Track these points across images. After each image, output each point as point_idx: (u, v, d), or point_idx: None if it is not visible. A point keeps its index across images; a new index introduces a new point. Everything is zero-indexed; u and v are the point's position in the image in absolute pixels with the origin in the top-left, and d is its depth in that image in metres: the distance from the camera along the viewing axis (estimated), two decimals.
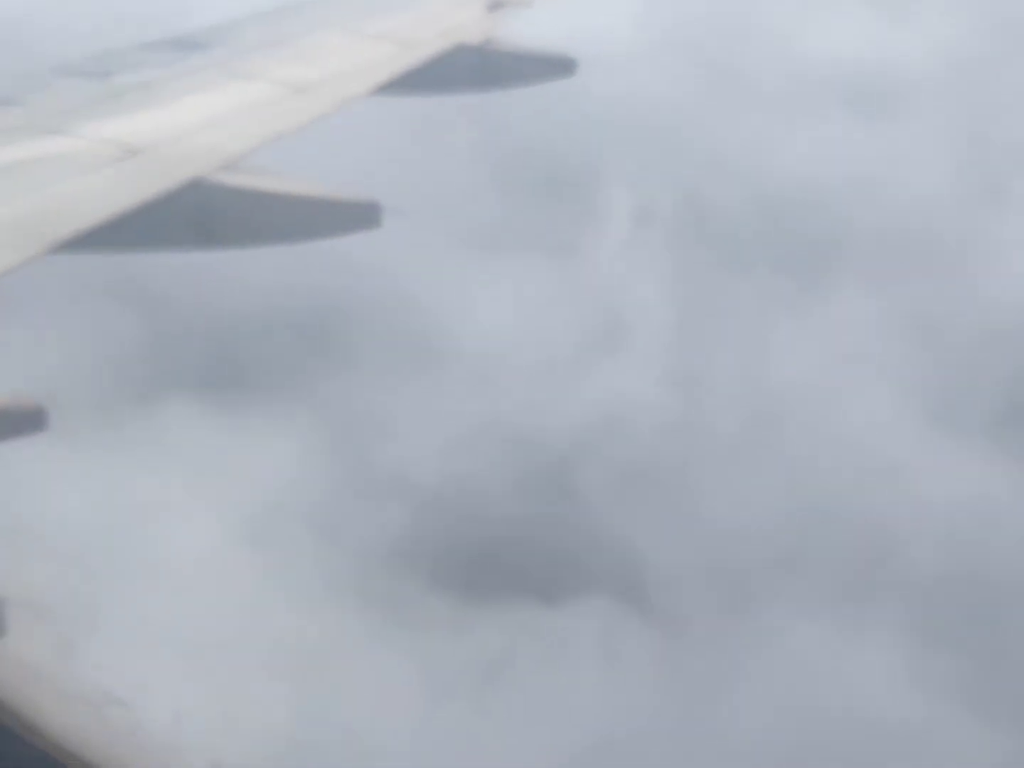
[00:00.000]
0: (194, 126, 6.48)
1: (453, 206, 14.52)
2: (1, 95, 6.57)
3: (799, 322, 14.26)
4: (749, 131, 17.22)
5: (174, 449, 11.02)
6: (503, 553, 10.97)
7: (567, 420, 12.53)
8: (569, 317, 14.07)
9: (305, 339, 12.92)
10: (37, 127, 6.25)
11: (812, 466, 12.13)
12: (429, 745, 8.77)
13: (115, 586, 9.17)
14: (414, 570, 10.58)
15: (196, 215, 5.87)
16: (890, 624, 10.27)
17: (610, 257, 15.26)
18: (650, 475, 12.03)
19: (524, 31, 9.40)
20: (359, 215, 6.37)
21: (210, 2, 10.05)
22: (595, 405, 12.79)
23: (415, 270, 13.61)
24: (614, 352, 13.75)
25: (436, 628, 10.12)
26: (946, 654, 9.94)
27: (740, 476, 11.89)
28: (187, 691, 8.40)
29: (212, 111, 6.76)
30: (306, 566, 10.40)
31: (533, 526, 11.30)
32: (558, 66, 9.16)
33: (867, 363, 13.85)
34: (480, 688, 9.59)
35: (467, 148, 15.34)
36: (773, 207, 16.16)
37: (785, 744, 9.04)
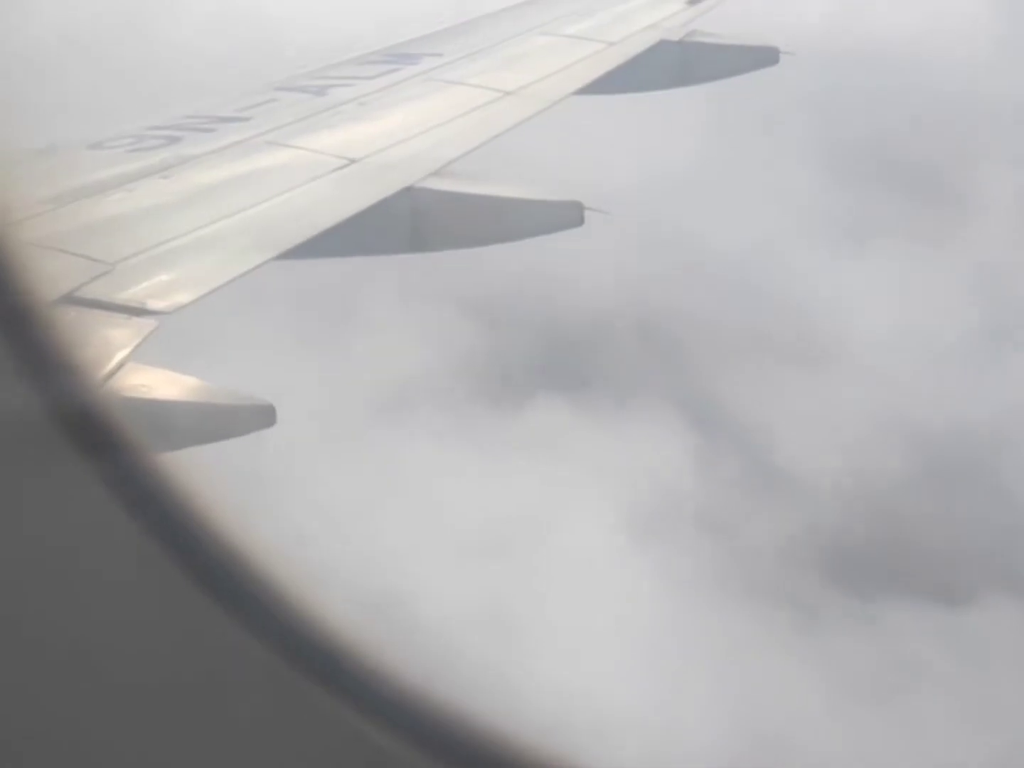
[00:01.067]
0: (406, 135, 6.77)
1: (778, 197, 14.21)
2: (231, 113, 7.03)
3: None
4: None
5: (550, 448, 11.18)
6: (903, 551, 10.74)
7: (964, 414, 12.09)
8: (947, 307, 13.55)
9: (645, 337, 12.74)
10: (263, 141, 6.65)
11: None
12: (857, 748, 8.69)
13: (523, 583, 9.46)
14: (812, 569, 10.44)
15: (409, 220, 6.14)
16: None
17: (975, 244, 14.65)
18: None
19: (725, 23, 9.32)
20: (563, 215, 6.52)
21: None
22: (994, 398, 12.34)
23: (765, 263, 13.34)
24: (1011, 345, 13.15)
25: (839, 628, 9.99)
26: None
27: None
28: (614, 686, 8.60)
29: (423, 120, 7.04)
30: (701, 565, 10.36)
31: (933, 523, 11.02)
32: (761, 56, 9.04)
33: None
34: (898, 691, 9.43)
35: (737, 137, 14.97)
36: None
37: None
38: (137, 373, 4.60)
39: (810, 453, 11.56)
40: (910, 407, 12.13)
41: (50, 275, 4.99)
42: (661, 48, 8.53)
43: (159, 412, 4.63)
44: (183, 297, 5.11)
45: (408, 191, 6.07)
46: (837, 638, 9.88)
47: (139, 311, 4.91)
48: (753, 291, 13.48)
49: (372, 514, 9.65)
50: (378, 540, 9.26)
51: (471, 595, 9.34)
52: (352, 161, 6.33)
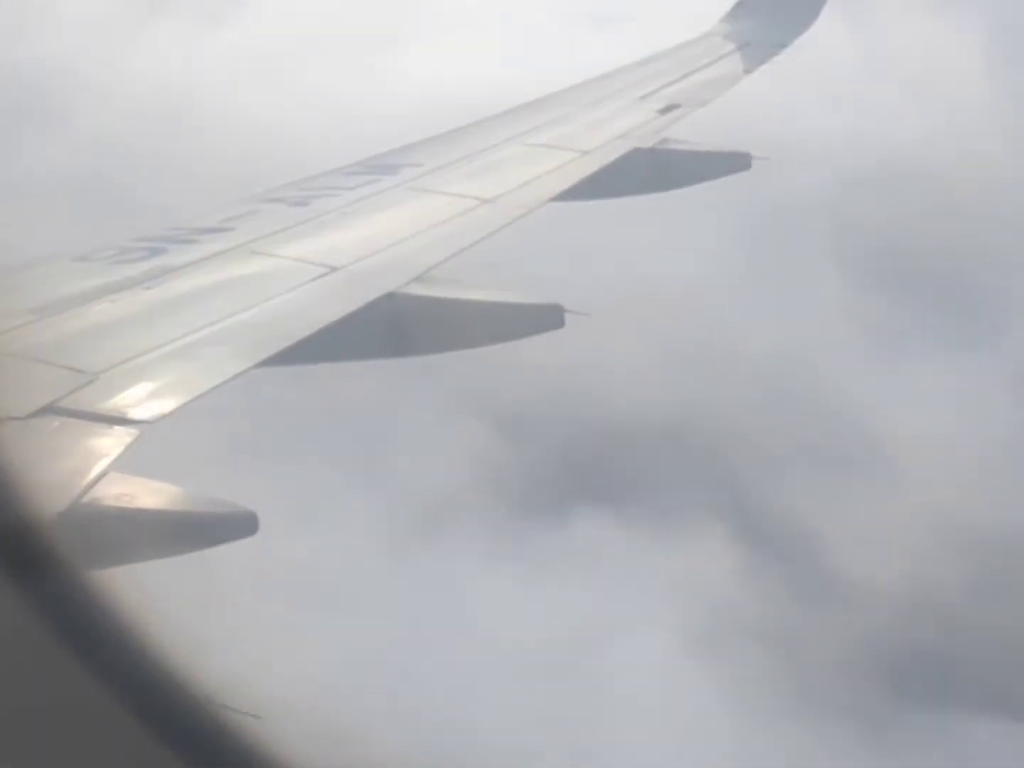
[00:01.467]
0: (387, 243, 6.88)
1: (762, 298, 14.15)
2: (214, 224, 7.14)
3: None
4: None
5: (595, 563, 10.89)
6: (966, 662, 10.51)
7: (1016, 519, 11.87)
8: (980, 410, 13.48)
9: (673, 442, 12.49)
10: (245, 251, 6.74)
11: None
12: None
13: (580, 704, 9.17)
14: (873, 680, 10.16)
15: (390, 325, 6.21)
16: None
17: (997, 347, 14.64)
18: None
19: (698, 129, 9.56)
20: (544, 318, 6.60)
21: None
22: None
23: (771, 364, 13.27)
24: None
25: (903, 741, 9.73)
26: None
27: None
28: None
29: (404, 228, 7.16)
30: (760, 679, 10.15)
31: (992, 631, 10.77)
32: (734, 162, 9.28)
33: None
34: None
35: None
36: None
37: None
38: (119, 482, 4.59)
39: (862, 561, 11.34)
40: (960, 512, 11.94)
41: (32, 385, 5.00)
42: (634, 155, 8.75)
43: (141, 521, 4.61)
44: (165, 406, 5.12)
45: (390, 297, 6.15)
46: (901, 751, 9.63)
47: (121, 420, 4.92)
48: (765, 392, 13.45)
49: (413, 636, 9.41)
50: (428, 663, 9.02)
51: (525, 719, 9.08)
52: (334, 268, 6.42)
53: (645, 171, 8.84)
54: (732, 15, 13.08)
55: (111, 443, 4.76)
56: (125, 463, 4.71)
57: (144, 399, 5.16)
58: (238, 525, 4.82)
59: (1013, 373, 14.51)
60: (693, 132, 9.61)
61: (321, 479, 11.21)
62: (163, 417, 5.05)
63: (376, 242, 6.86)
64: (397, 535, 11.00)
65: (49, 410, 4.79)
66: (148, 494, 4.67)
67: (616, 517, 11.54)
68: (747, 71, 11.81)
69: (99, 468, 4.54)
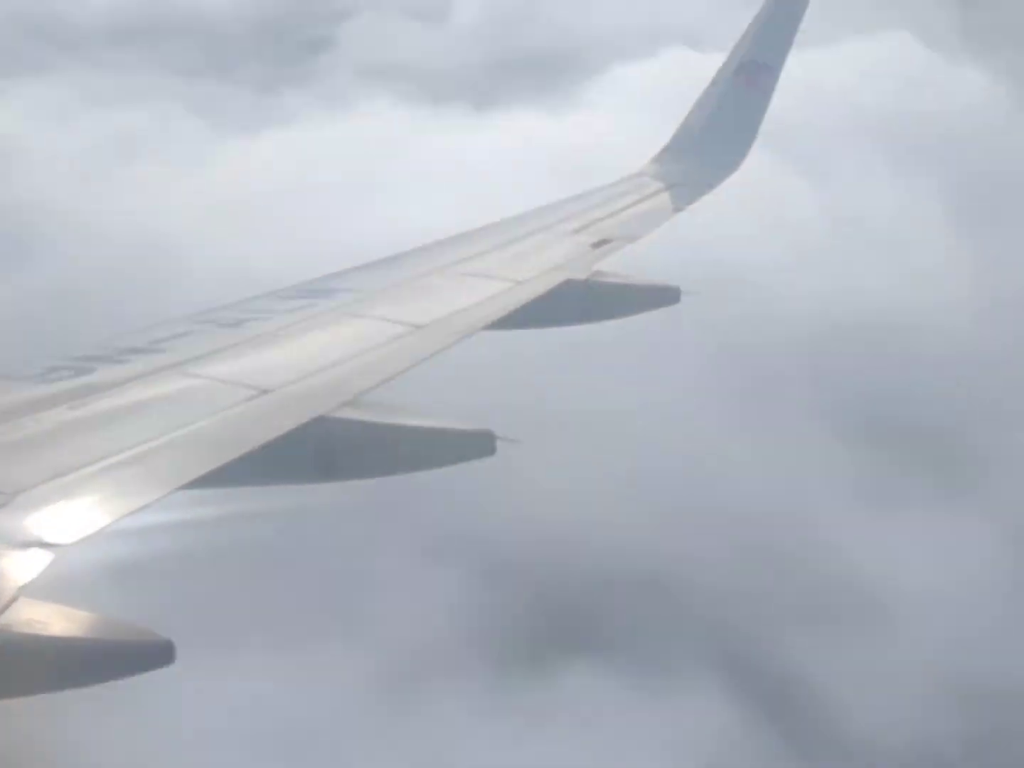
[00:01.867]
0: (320, 366, 6.86)
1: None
2: (144, 344, 7.06)
3: None
4: None
5: (586, 718, 10.38)
6: None
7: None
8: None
9: (651, 589, 11.94)
10: (175, 372, 6.66)
11: None
12: None
13: None
14: None
15: (320, 450, 6.14)
16: None
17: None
18: None
19: (630, 263, 9.77)
20: (475, 444, 6.58)
21: None
22: None
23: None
24: None
25: None
26: None
27: None
28: None
29: (337, 351, 7.15)
30: None
31: None
32: (663, 295, 9.47)
33: None
34: None
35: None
36: None
37: None
38: (30, 608, 4.41)
39: (866, 716, 11.15)
40: (962, 663, 11.77)
41: None
42: (567, 286, 8.89)
43: (51, 649, 4.42)
44: (84, 528, 4.97)
45: (321, 420, 6.09)
46: None
47: (36, 543, 4.76)
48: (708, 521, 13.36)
49: None
50: None
51: None
52: (265, 391, 6.36)
53: (577, 302, 8.98)
54: (660, 157, 13.54)
55: (24, 567, 4.59)
56: (39, 588, 4.54)
57: (62, 521, 5.00)
58: (155, 655, 4.64)
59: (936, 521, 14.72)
60: (624, 265, 9.83)
61: (241, 606, 10.92)
62: (81, 540, 4.89)
63: (308, 365, 6.83)
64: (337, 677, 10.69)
65: None
66: (61, 620, 4.49)
67: (598, 665, 11.23)
68: (676, 209, 12.16)
69: (9, 593, 4.36)
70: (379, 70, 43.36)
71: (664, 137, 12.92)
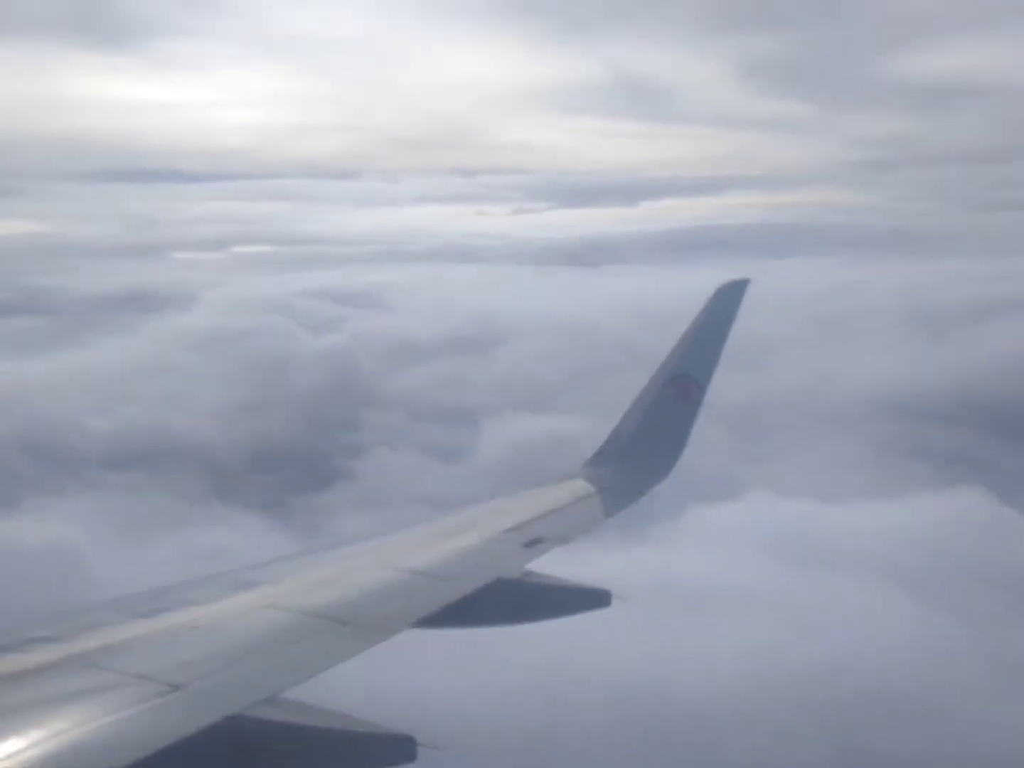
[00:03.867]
0: (236, 660, 6.55)
1: None
2: (45, 633, 6.71)
3: None
4: None
5: None
6: None
7: None
8: None
9: None
10: (79, 664, 6.31)
11: None
12: None
13: None
14: None
15: (234, 750, 5.76)
16: None
17: None
18: None
19: (561, 565, 9.69)
20: (395, 750, 6.24)
21: None
22: None
23: None
24: None
25: None
26: None
27: None
28: None
29: (254, 647, 6.86)
30: None
31: None
32: (594, 598, 9.35)
33: None
34: None
35: None
36: None
37: None
38: None
39: None
40: None
41: None
42: (497, 586, 8.76)
43: None
44: None
45: (235, 719, 5.74)
46: None
47: None
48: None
49: None
50: None
51: None
52: (177, 687, 6.02)
53: (508, 602, 8.82)
54: (593, 461, 13.76)
55: None
56: None
57: None
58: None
59: None
60: (555, 568, 9.74)
61: None
62: None
63: (223, 660, 6.52)
64: None
65: None
66: None
67: None
68: (607, 514, 12.24)
69: None
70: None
71: None
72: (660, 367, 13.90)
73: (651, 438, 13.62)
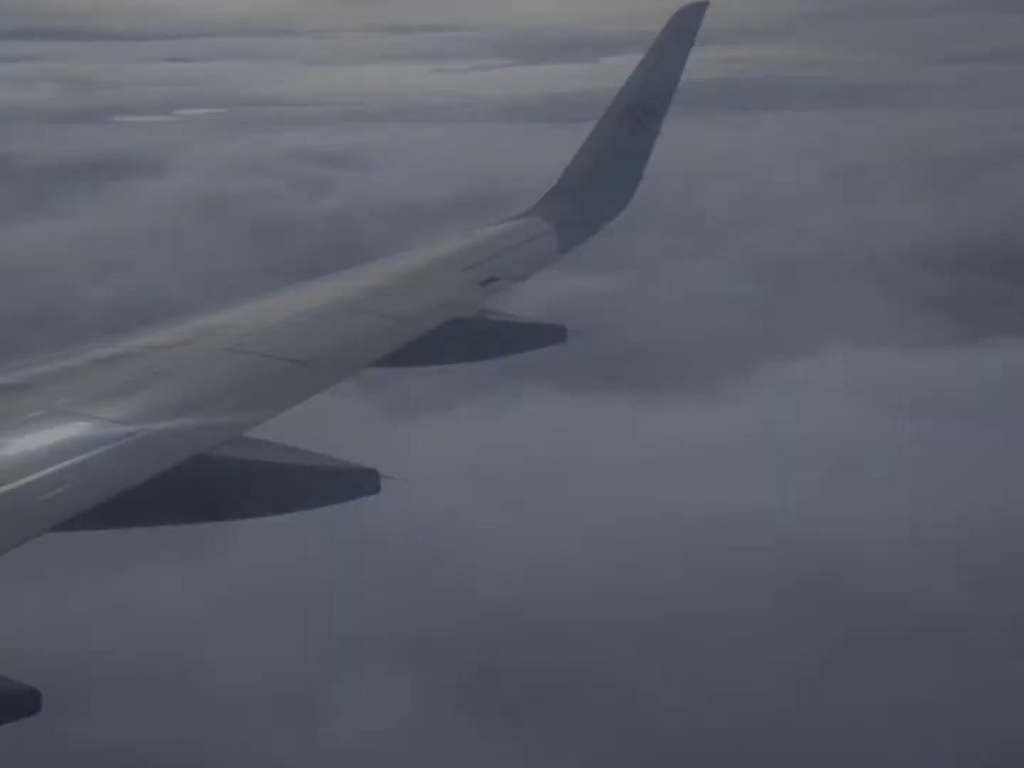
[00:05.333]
0: (197, 402, 6.66)
1: None
2: (16, 380, 6.76)
3: None
4: None
5: None
6: None
7: None
8: None
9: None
10: (48, 408, 6.38)
11: None
12: None
13: None
14: None
15: (200, 489, 5.95)
16: None
17: None
18: None
19: (517, 303, 9.81)
20: (359, 482, 6.47)
21: None
22: None
23: None
24: None
25: None
26: None
27: None
28: None
29: (215, 386, 6.97)
30: None
31: None
32: (550, 334, 9.51)
33: None
34: None
35: None
36: None
37: None
38: None
39: None
40: None
41: None
42: (453, 325, 8.87)
43: None
44: None
45: (199, 458, 5.91)
46: None
47: None
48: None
49: None
50: None
51: None
52: (136, 431, 6.14)
53: (464, 340, 8.95)
54: (547, 199, 13.67)
55: None
56: None
57: None
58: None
59: None
60: (511, 305, 9.85)
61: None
62: None
63: (185, 402, 6.64)
64: None
65: None
66: None
67: None
68: (562, 251, 12.28)
69: None
70: None
71: None
72: (614, 101, 13.59)
73: (605, 173, 13.49)
